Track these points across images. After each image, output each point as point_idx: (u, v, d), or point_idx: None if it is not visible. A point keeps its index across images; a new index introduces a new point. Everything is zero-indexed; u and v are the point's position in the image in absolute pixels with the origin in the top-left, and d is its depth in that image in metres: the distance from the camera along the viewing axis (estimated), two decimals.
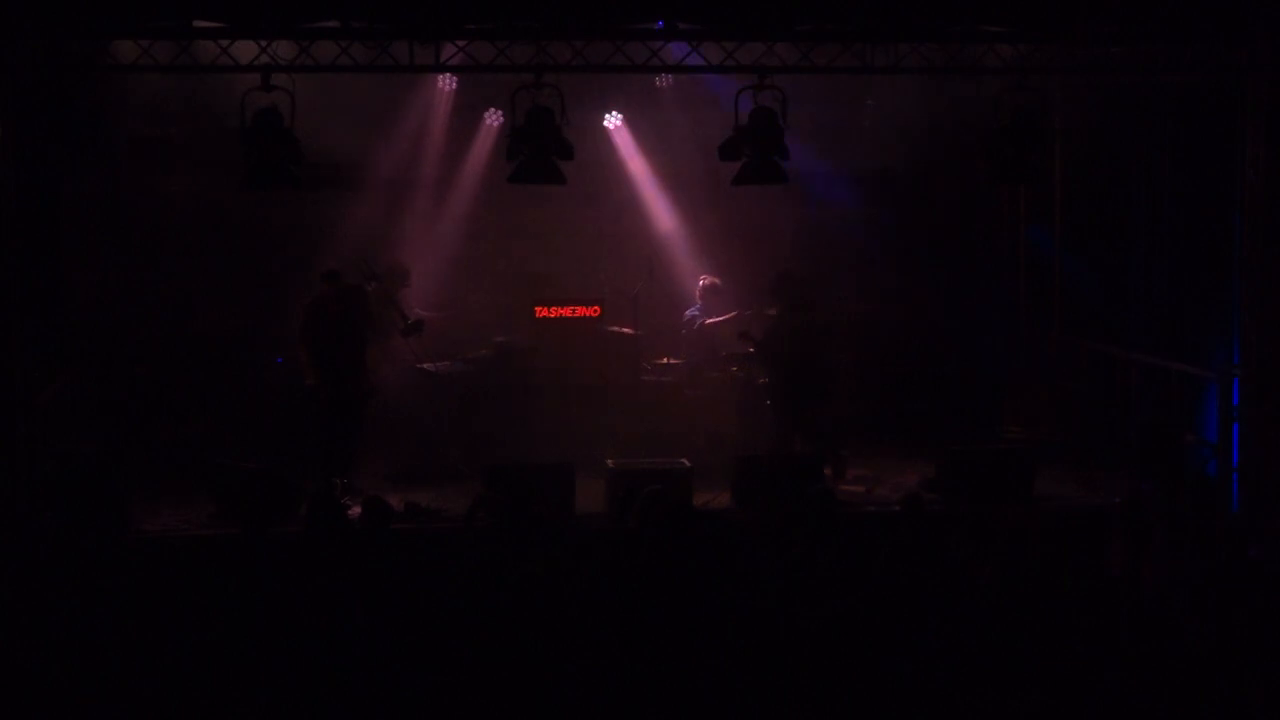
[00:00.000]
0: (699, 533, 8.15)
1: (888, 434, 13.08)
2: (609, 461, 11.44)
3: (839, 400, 12.12)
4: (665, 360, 12.99)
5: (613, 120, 13.72)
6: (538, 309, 13.26)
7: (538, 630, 7.37)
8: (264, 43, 10.50)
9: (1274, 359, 11.06)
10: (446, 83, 13.12)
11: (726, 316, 12.98)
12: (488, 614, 7.46)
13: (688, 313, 13.22)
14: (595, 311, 13.16)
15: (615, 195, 13.79)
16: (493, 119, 13.47)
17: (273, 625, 7.52)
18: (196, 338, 12.92)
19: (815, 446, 11.71)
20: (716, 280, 13.11)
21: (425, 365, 12.53)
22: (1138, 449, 12.11)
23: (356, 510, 9.58)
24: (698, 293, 13.18)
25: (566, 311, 13.23)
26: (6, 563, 9.28)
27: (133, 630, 7.71)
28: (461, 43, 10.76)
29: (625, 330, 12.89)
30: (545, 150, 10.60)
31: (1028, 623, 7.55)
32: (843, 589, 7.89)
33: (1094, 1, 10.66)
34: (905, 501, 9.16)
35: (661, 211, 13.86)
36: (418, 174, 13.51)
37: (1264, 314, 11.12)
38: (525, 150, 10.62)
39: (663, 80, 13.01)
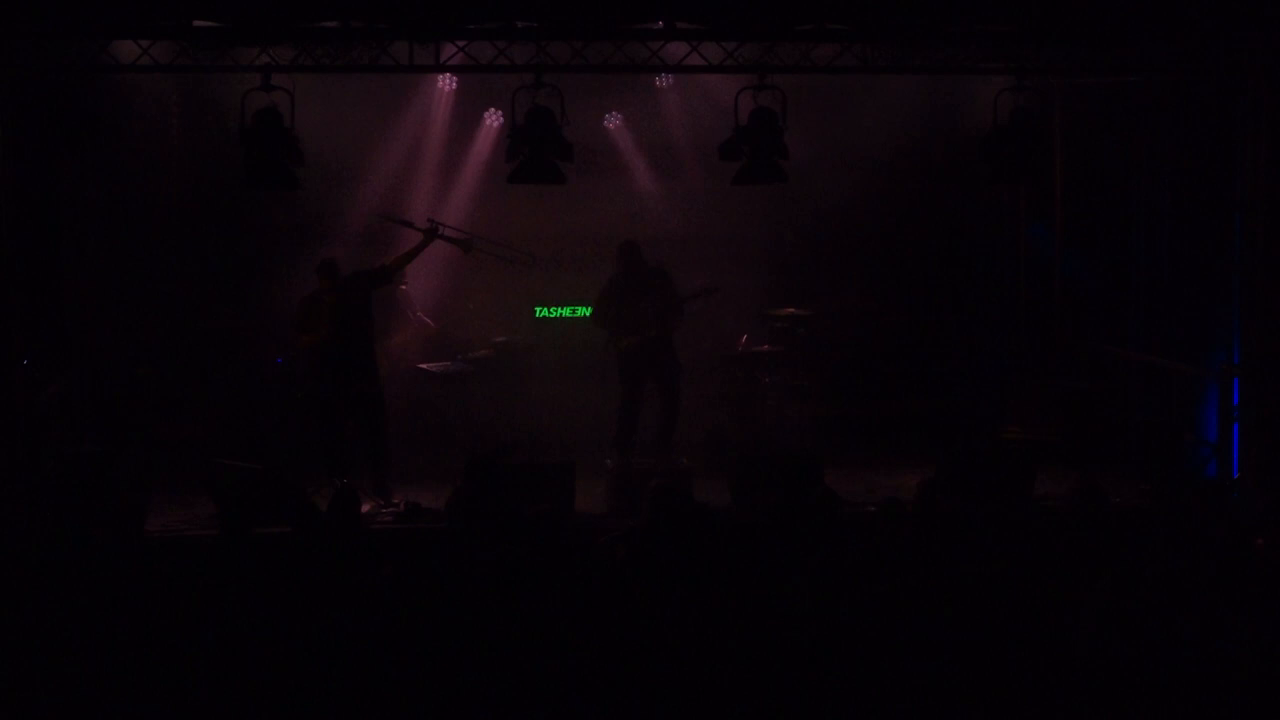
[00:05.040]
0: (704, 530, 8.16)
1: (888, 433, 13.08)
2: (609, 461, 11.45)
3: None
4: None
5: (613, 120, 13.73)
6: (537, 309, 13.22)
7: (536, 630, 7.37)
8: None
9: (1274, 359, 11.06)
10: (446, 83, 13.12)
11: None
12: (486, 614, 7.46)
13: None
14: None
15: (615, 195, 13.78)
16: (493, 119, 13.47)
17: (273, 625, 7.52)
18: (196, 338, 12.91)
19: None
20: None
21: (425, 365, 12.52)
22: (1138, 449, 12.14)
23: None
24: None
25: (567, 312, 13.22)
26: (6, 563, 9.27)
27: (133, 630, 7.70)
28: (461, 43, 10.77)
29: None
30: (545, 150, 10.61)
31: (1027, 623, 7.55)
32: (843, 589, 7.88)
33: (1094, 1, 10.65)
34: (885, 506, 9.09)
35: (661, 211, 13.85)
36: (418, 174, 13.51)
37: (1264, 314, 11.12)
38: (525, 150, 10.63)
39: (663, 80, 13.01)
